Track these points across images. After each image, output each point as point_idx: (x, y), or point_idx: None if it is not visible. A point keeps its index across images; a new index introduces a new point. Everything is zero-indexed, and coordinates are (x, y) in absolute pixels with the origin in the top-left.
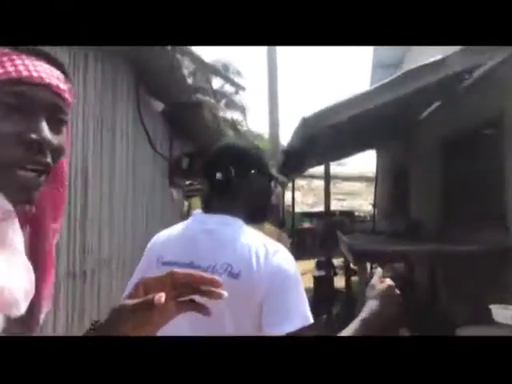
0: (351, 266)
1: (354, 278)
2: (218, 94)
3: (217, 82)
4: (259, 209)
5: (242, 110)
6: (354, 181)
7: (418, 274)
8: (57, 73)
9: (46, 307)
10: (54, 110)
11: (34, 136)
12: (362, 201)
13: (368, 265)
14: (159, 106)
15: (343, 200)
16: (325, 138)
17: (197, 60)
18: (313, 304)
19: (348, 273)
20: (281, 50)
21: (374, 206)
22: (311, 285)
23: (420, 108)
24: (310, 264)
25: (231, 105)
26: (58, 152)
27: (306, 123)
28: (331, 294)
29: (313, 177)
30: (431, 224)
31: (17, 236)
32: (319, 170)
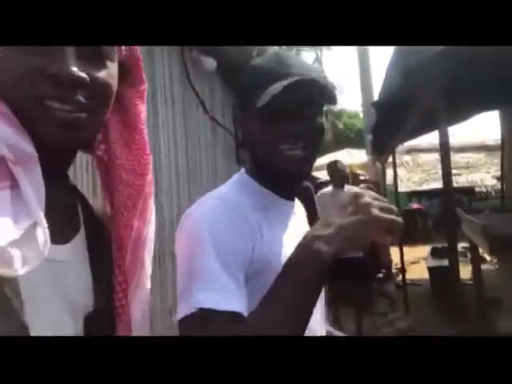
0: (480, 253)
1: (485, 268)
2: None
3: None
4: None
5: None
6: (470, 151)
7: None
8: None
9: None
10: None
11: (54, 69)
12: (482, 174)
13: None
14: (212, 64)
15: (458, 175)
16: (436, 69)
17: None
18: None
19: (477, 262)
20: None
21: (502, 178)
22: (426, 276)
23: None
24: (423, 251)
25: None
26: (95, 88)
27: (403, 48)
28: (454, 288)
29: (419, 150)
30: None
31: (29, 184)
32: (426, 141)
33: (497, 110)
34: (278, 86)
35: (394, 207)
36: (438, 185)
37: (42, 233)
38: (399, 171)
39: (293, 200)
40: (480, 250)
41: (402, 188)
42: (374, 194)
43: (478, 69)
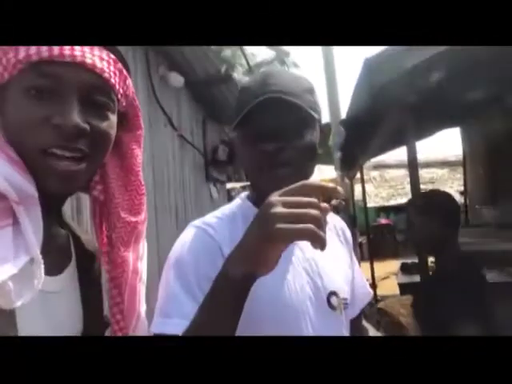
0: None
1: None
2: (254, 66)
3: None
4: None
5: None
6: (433, 167)
7: None
8: (101, 52)
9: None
10: (89, 91)
11: (58, 120)
12: (446, 189)
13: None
14: (180, 80)
15: (424, 190)
16: (401, 89)
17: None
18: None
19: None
20: (337, 49)
21: (465, 193)
22: (397, 291)
23: None
24: (392, 265)
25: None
26: (95, 137)
27: (371, 67)
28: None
29: (386, 166)
30: None
31: (29, 223)
32: (392, 157)
33: (458, 126)
34: (252, 103)
35: (308, 211)
36: (405, 200)
37: (38, 268)
38: (367, 187)
39: None
40: None
41: (370, 203)
42: (290, 199)
43: (441, 87)
